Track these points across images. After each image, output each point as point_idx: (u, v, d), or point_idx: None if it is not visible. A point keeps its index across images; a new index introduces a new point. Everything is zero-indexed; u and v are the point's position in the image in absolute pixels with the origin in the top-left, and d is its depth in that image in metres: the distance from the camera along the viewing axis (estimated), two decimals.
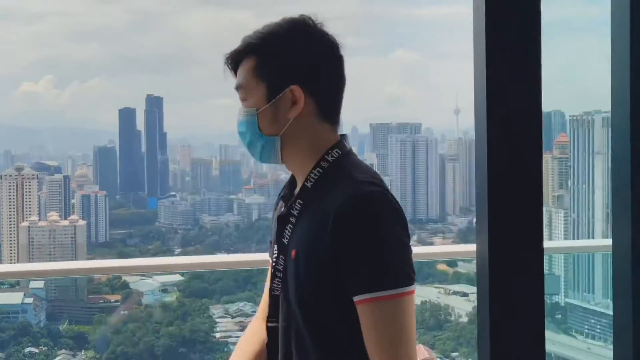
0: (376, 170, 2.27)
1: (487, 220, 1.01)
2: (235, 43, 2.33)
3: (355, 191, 2.10)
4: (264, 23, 2.28)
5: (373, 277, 2.04)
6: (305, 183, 2.26)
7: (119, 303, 10.34)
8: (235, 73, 2.33)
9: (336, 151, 2.27)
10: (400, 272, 2.06)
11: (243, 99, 2.31)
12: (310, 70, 2.25)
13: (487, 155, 1.03)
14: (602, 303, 11.27)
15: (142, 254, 49.83)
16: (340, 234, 2.06)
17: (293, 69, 2.26)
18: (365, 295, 2.05)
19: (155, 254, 49.34)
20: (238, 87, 2.31)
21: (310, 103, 2.25)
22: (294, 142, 2.29)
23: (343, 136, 2.33)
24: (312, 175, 2.26)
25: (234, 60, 2.32)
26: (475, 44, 1.11)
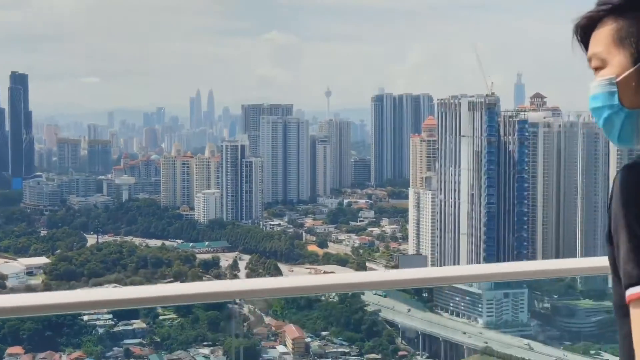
0: None
1: None
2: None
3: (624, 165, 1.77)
4: None
5: (627, 265, 1.62)
6: None
7: None
8: (585, 44, 1.99)
9: None
10: None
11: (598, 68, 1.94)
12: None
13: None
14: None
15: (6, 235, 48.38)
16: (610, 215, 1.77)
17: None
18: (626, 291, 1.66)
19: (19, 236, 48.03)
20: (591, 57, 1.95)
21: None
22: None
23: None
24: None
25: (586, 28, 1.97)
26: None
